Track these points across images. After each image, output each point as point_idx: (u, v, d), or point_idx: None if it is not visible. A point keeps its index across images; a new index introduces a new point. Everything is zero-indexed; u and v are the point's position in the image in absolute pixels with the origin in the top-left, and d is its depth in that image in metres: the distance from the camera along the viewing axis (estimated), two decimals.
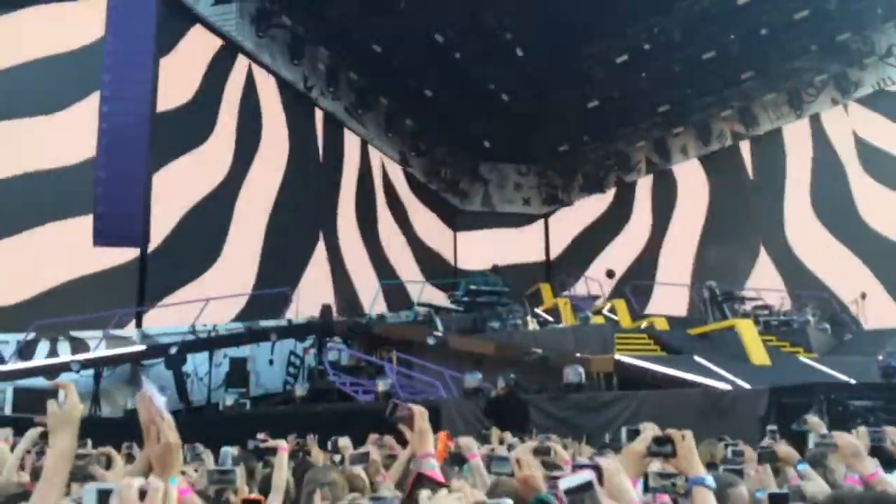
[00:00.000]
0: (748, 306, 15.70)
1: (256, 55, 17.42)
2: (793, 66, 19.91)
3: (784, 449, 4.21)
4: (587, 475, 1.79)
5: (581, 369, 11.50)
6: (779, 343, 13.74)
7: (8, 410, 12.31)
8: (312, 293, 16.41)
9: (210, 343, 14.21)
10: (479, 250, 22.88)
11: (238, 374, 14.73)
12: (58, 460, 1.84)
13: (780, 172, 20.55)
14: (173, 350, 13.56)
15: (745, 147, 21.32)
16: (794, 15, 18.29)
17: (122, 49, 12.97)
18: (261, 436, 6.36)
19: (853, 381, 10.44)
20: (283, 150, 18.11)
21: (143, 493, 1.18)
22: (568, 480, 1.87)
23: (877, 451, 3.66)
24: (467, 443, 3.68)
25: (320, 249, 18.82)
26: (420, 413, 2.67)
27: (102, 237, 13.05)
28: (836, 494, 2.34)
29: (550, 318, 16.39)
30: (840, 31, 19.03)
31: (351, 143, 20.39)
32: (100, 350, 13.87)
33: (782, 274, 19.37)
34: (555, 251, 23.94)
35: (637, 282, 19.55)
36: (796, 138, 20.47)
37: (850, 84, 19.66)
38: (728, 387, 10.62)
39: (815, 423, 4.89)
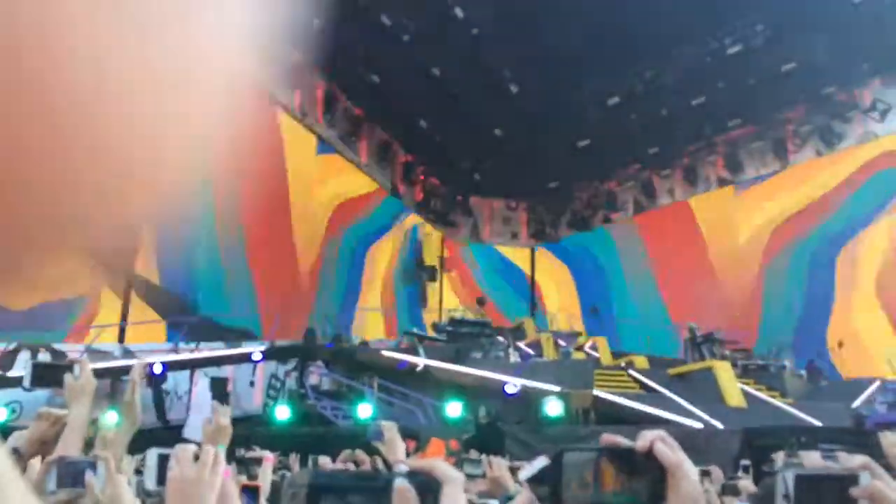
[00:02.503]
0: (727, 349, 16.04)
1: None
2: (779, 116, 20.52)
3: (744, 484, 4.47)
4: (543, 459, 2.04)
5: (560, 403, 11.72)
6: (756, 387, 14.04)
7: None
8: (294, 316, 16.58)
9: (192, 362, 14.32)
10: (466, 281, 23.20)
11: (218, 394, 14.78)
12: (74, 428, 2.07)
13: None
14: (158, 368, 13.66)
15: (727, 193, 21.90)
16: (782, 67, 18.85)
17: None
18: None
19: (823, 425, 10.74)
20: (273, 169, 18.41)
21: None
22: (528, 470, 2.12)
23: None
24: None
25: (304, 273, 19.06)
26: (388, 426, 2.93)
27: None
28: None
29: (532, 352, 16.62)
30: (826, 85, 19.65)
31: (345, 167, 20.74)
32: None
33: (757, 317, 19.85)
34: (540, 285, 24.25)
35: (623, 319, 19.87)
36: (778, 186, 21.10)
37: (833, 136, 20.26)
38: (701, 425, 10.89)
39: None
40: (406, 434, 3.15)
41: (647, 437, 1.13)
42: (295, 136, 18.69)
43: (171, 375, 14.08)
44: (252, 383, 16.71)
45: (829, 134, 20.28)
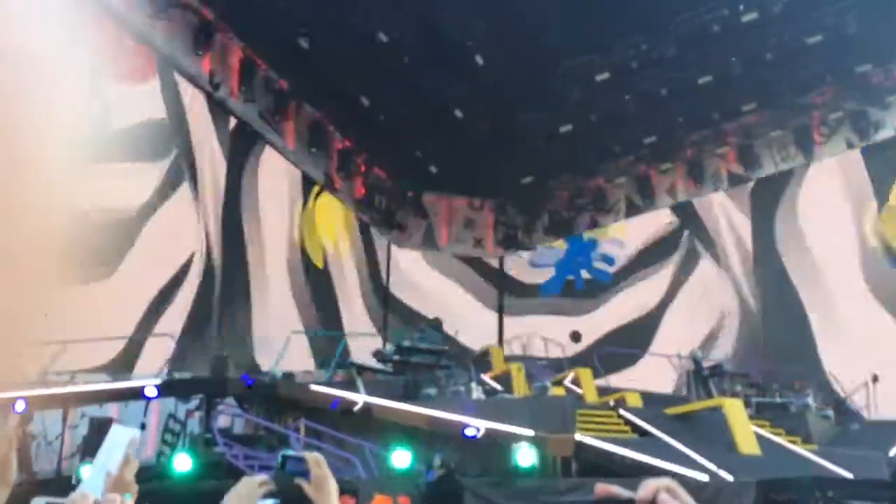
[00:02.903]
0: (739, 384, 16.30)
1: (148, 37, 17.52)
2: (803, 100, 20.98)
3: None
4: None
5: (534, 450, 11.77)
6: (773, 430, 14.27)
7: None
8: (203, 342, 16.40)
9: (64, 399, 14.06)
10: (416, 297, 23.21)
11: (99, 439, 14.50)
12: None
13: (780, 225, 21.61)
14: (19, 407, 13.35)
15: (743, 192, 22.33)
16: (806, 39, 19.00)
17: None
18: None
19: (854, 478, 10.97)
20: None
21: None
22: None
23: None
24: None
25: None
26: (315, 460, 2.75)
27: None
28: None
29: (500, 387, 16.67)
30: (860, 62, 20.04)
31: (265, 157, 20.62)
32: None
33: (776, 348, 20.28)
34: (509, 305, 24.39)
35: (610, 349, 20.05)
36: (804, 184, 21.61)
37: (868, 125, 20.74)
38: (707, 477, 11.03)
39: None
40: (343, 489, 3.05)
41: (649, 487, 1.16)
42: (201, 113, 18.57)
43: (38, 414, 13.78)
44: (143, 426, 16.41)
45: (863, 122, 20.77)
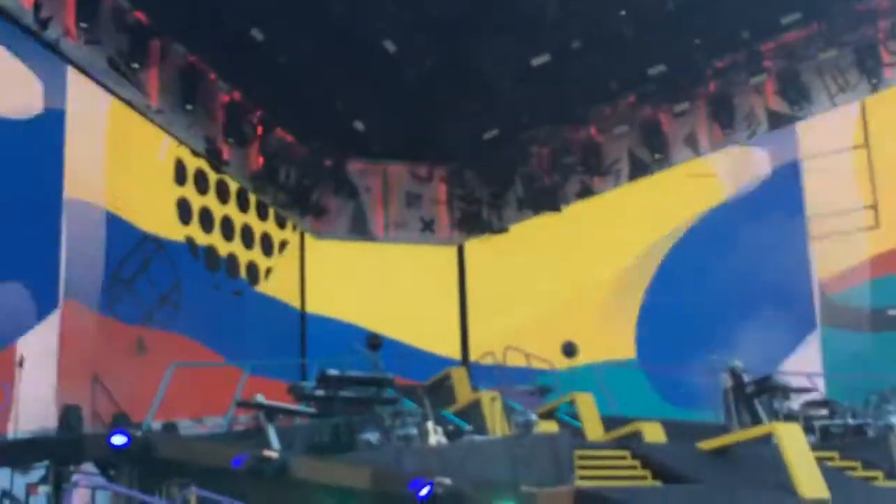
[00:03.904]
0: (796, 402, 16.45)
1: None
2: (863, 8, 21.15)
3: None
4: None
5: None
6: (844, 463, 14.43)
7: None
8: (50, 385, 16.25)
9: None
10: (345, 307, 23.17)
11: None
12: None
13: None
14: None
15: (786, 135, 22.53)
16: None
17: None
18: None
19: None
20: None
21: None
22: None
23: None
24: None
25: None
26: None
27: None
28: None
29: (467, 426, 16.65)
30: None
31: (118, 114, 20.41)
32: None
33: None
34: (475, 311, 24.39)
35: (612, 361, 20.15)
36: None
37: None
38: None
39: None
40: None
41: None
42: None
43: None
44: None
45: None
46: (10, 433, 15.84)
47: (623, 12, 20.91)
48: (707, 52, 22.25)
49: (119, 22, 19.85)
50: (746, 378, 16.09)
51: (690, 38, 21.72)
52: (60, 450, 14.79)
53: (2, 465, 14.93)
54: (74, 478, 14.78)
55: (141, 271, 20.76)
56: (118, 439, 14.29)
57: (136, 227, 20.63)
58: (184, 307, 20.69)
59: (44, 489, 15.05)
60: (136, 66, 20.24)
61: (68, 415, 15.78)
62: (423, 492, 12.63)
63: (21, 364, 16.08)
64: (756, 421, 15.46)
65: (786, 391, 16.47)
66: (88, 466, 15.06)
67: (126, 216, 20.35)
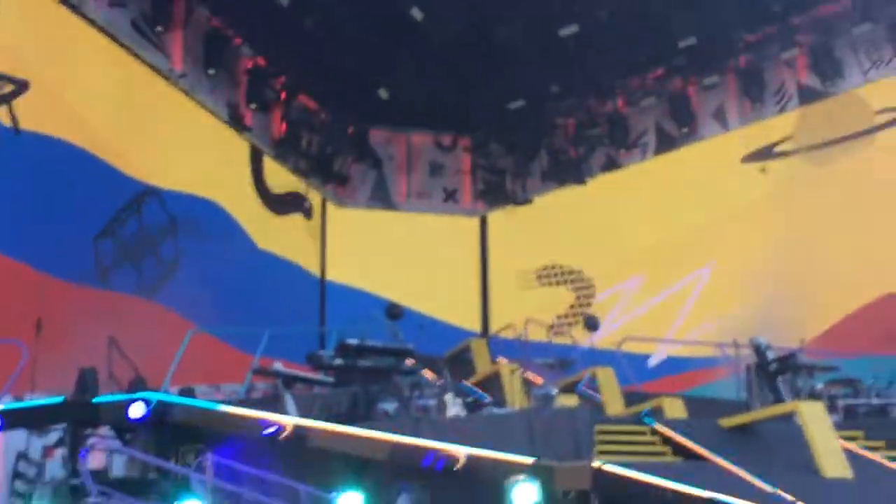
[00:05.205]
0: (820, 380, 16.44)
1: None
2: None
3: None
4: None
5: (536, 485, 11.82)
6: (869, 443, 14.43)
7: None
8: (67, 348, 16.34)
9: None
10: (365, 276, 23.24)
11: None
12: None
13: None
14: None
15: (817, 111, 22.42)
16: None
17: None
18: None
19: None
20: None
21: None
22: None
23: None
24: None
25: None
26: None
27: None
28: None
29: (487, 398, 16.70)
30: None
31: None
32: None
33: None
34: (496, 283, 24.42)
35: (635, 337, 20.16)
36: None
37: None
38: None
39: None
40: None
41: None
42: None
43: None
44: None
45: None
46: (27, 396, 15.96)
47: None
48: (738, 26, 22.15)
49: None
50: (770, 355, 16.07)
51: (721, 11, 21.60)
52: (77, 413, 14.90)
53: (18, 427, 15.09)
54: (91, 441, 14.90)
55: (167, 233, 20.89)
56: (136, 411, 14.44)
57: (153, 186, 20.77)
58: (201, 272, 20.71)
59: (60, 452, 15.21)
60: (159, 29, 20.29)
61: (85, 377, 15.87)
62: (446, 465, 12.73)
63: (39, 326, 16.19)
64: (778, 399, 15.45)
65: (809, 369, 16.45)
66: (105, 430, 15.19)
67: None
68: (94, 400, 15.13)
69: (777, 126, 22.96)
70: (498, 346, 20.70)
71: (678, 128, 23.53)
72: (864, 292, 21.40)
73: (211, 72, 21.28)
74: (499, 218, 24.97)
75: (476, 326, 23.70)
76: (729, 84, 23.09)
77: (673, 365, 21.99)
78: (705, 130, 23.45)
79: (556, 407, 14.60)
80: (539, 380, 16.61)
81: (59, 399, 15.25)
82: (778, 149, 23.01)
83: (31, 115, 18.61)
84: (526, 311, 21.83)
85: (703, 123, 23.44)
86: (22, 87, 18.28)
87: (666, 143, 23.75)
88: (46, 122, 18.85)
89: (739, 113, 23.12)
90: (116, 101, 20.30)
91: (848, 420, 15.44)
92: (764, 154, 22.98)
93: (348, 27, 21.25)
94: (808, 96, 22.59)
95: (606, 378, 17.37)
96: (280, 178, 23.53)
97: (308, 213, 24.05)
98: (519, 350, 19.46)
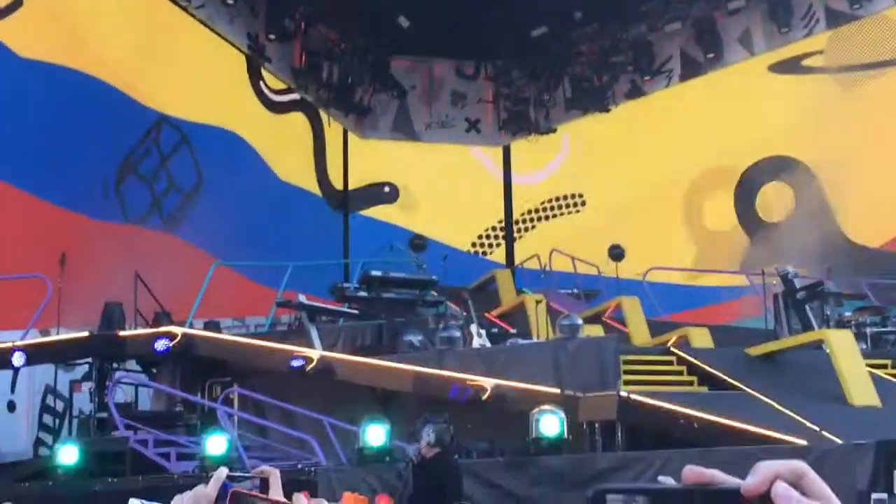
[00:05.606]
0: (849, 310, 16.40)
1: None
2: None
3: None
4: None
5: (562, 416, 11.84)
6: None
7: None
8: (92, 283, 16.38)
9: None
10: (388, 208, 23.26)
11: None
12: None
13: None
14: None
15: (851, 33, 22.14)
16: None
17: None
18: None
19: None
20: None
21: None
22: None
23: None
24: None
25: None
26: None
27: None
28: None
29: (511, 329, 16.71)
30: None
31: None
32: None
33: None
34: (520, 214, 24.39)
35: (659, 267, 20.15)
36: None
37: None
38: (807, 442, 11.14)
39: None
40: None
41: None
42: None
43: None
44: (12, 405, 16.55)
45: None
46: (54, 330, 16.06)
47: None
48: None
49: None
50: (798, 283, 16.01)
51: None
52: (103, 348, 15.03)
53: (45, 362, 15.22)
54: (117, 375, 15.07)
55: (186, 163, 20.94)
56: (162, 345, 14.53)
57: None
58: (222, 205, 20.74)
59: (87, 386, 15.37)
60: None
61: (111, 312, 15.97)
62: (472, 396, 12.78)
63: (63, 261, 16.26)
64: (806, 327, 15.42)
65: (837, 297, 16.41)
66: (131, 365, 15.36)
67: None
68: (121, 334, 15.28)
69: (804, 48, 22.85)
70: (523, 277, 20.74)
71: (703, 53, 23.26)
72: None
73: (230, 1, 21.12)
74: (522, 147, 24.83)
75: (501, 258, 23.68)
76: (755, 8, 22.74)
77: (699, 296, 21.96)
78: (731, 56, 23.16)
79: (582, 337, 14.62)
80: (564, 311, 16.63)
81: (85, 333, 15.40)
82: (805, 62, 22.94)
83: (48, 48, 18.63)
84: (551, 242, 21.86)
85: (729, 48, 23.14)
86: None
87: (691, 70, 23.50)
88: (65, 56, 18.86)
89: (766, 35, 22.82)
90: (136, 33, 20.31)
91: (876, 348, 15.39)
92: (790, 66, 22.91)
93: None
94: (836, 19, 22.28)
95: (632, 308, 17.39)
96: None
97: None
98: (544, 281, 19.50)
